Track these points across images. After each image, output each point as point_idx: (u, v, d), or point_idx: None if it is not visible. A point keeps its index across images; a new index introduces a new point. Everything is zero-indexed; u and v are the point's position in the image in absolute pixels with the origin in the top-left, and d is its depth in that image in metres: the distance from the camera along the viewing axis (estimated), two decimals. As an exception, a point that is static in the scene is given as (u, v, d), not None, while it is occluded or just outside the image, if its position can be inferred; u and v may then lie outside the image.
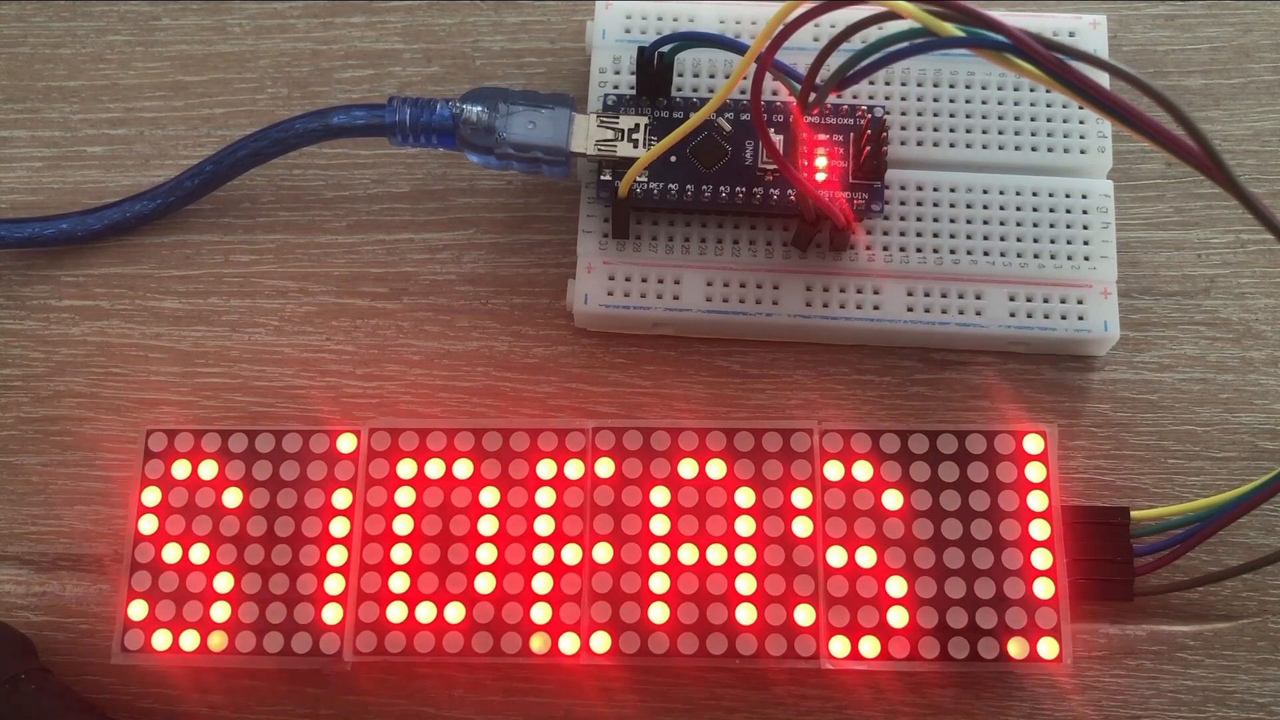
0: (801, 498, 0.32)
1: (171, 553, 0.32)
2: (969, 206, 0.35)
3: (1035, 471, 0.31)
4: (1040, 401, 0.35)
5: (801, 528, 0.31)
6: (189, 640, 0.31)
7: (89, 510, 0.35)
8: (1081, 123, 0.35)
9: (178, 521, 0.32)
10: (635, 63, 0.34)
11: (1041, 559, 0.31)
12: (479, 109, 0.34)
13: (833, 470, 0.32)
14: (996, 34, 0.26)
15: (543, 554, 0.31)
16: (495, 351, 0.36)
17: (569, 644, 0.31)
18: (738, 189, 0.34)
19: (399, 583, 0.31)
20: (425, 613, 0.31)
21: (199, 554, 0.32)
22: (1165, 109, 0.25)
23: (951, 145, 0.35)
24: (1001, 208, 0.35)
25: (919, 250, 0.35)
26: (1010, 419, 0.34)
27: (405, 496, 0.32)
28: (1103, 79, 0.30)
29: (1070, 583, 0.31)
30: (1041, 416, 0.35)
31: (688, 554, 0.31)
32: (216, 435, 0.33)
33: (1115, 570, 0.32)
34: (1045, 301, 0.34)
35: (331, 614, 0.31)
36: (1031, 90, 0.36)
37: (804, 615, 0.31)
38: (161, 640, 0.31)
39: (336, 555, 0.32)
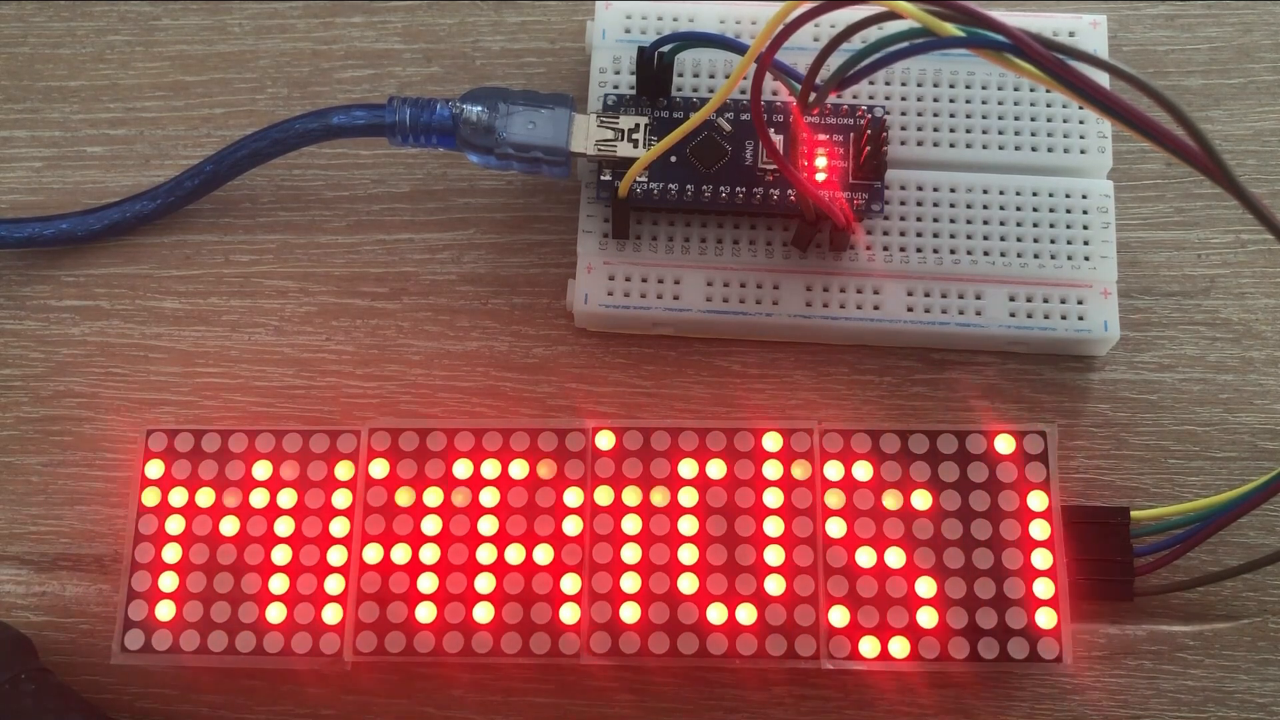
0: (801, 498, 0.32)
1: (171, 553, 0.32)
2: (969, 206, 0.35)
3: (1035, 471, 0.31)
4: (1040, 401, 0.35)
5: (801, 528, 0.31)
6: (189, 640, 0.31)
7: (89, 510, 0.35)
8: (1081, 123, 0.35)
9: (178, 521, 0.32)
10: (635, 63, 0.34)
11: (1041, 559, 0.31)
12: (479, 109, 0.34)
13: (833, 470, 0.32)
14: (996, 34, 0.26)
15: (542, 554, 0.31)
16: (495, 351, 0.36)
17: (569, 644, 0.31)
18: (738, 189, 0.34)
19: (399, 583, 0.31)
20: (425, 613, 0.31)
21: (199, 554, 0.32)
22: (1165, 109, 0.25)
23: (951, 145, 0.35)
24: (1001, 208, 0.35)
25: (919, 250, 0.35)
26: (1010, 419, 0.34)
27: (405, 496, 0.32)
28: (1103, 79, 0.30)
29: (1070, 583, 0.31)
30: (1041, 416, 0.35)
31: (687, 554, 0.31)
32: (216, 435, 0.33)
33: (1115, 570, 0.32)
34: (1045, 301, 0.34)
35: (331, 614, 0.31)
36: (1031, 90, 0.36)
37: (804, 615, 0.31)
38: (161, 640, 0.31)
39: (336, 555, 0.32)
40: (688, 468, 0.32)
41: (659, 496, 0.32)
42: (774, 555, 0.31)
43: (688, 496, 0.32)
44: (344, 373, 0.36)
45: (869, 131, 0.33)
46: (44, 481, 0.35)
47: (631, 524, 0.32)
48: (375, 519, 0.32)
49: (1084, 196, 0.35)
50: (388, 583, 0.31)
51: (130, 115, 0.39)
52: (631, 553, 0.31)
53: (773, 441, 0.32)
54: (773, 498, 0.32)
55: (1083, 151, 0.35)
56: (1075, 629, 0.32)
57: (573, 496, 0.32)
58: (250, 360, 0.36)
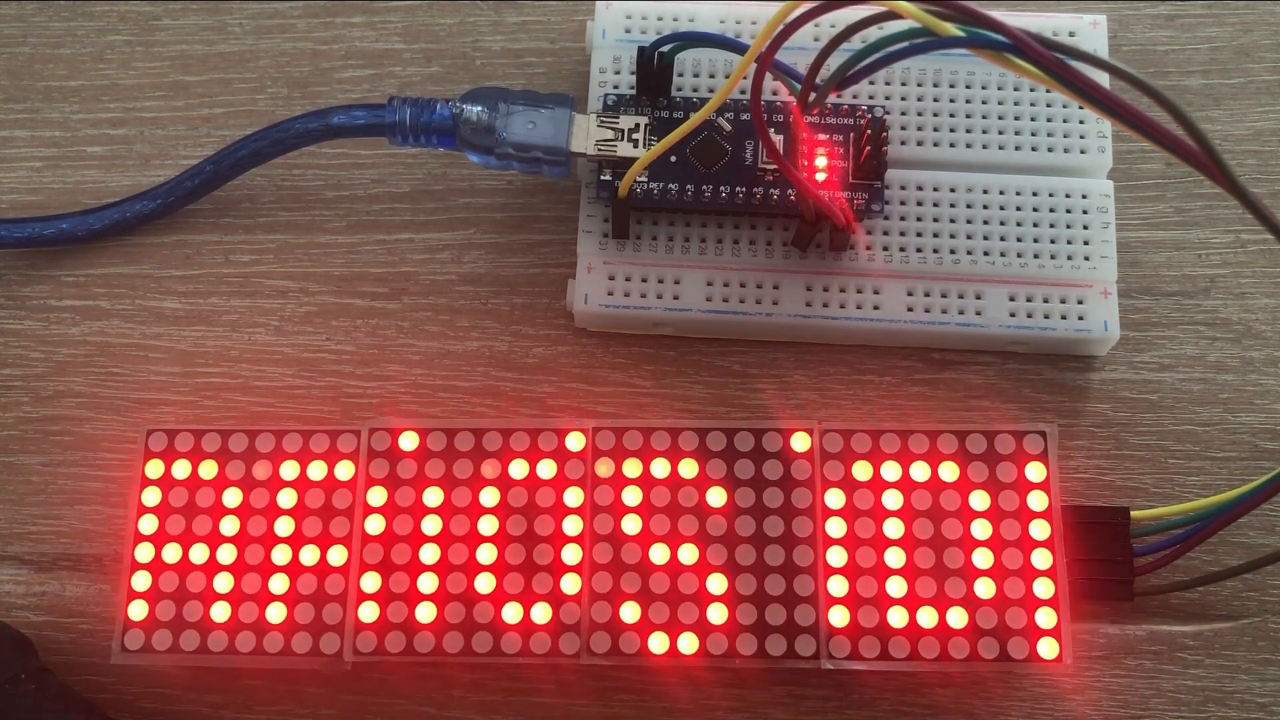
0: (801, 498, 0.32)
1: (171, 553, 0.32)
2: (969, 206, 0.35)
3: (1035, 471, 0.31)
4: (1040, 401, 0.35)
5: (801, 528, 0.31)
6: (189, 640, 0.31)
7: (89, 510, 0.35)
8: (1081, 123, 0.35)
9: (178, 521, 0.32)
10: (635, 63, 0.34)
11: (1041, 559, 0.31)
12: (479, 109, 0.34)
13: (833, 470, 0.32)
14: (996, 34, 0.26)
15: (542, 554, 0.31)
16: (495, 351, 0.36)
17: (569, 644, 0.31)
18: (738, 189, 0.34)
19: (399, 583, 0.31)
20: (425, 613, 0.31)
21: (199, 554, 0.32)
22: (1165, 109, 0.25)
23: (951, 145, 0.35)
24: (1001, 208, 0.35)
25: (919, 250, 0.35)
26: (1010, 419, 0.34)
27: (406, 496, 0.32)
28: (1103, 79, 0.30)
29: (1070, 583, 0.31)
30: (1041, 416, 0.35)
31: (687, 554, 0.31)
32: (216, 435, 0.33)
33: (1115, 570, 0.32)
34: (1045, 301, 0.34)
35: (331, 614, 0.31)
36: (1031, 90, 0.36)
37: (803, 615, 0.31)
38: (161, 640, 0.31)
39: (336, 555, 0.32)
40: (688, 468, 0.32)
41: (659, 496, 0.32)
42: (774, 555, 0.31)
43: (687, 497, 0.32)
44: (344, 373, 0.36)
45: (869, 131, 0.33)
46: (44, 481, 0.35)
47: (631, 524, 0.32)
48: (375, 519, 0.32)
49: (1084, 196, 0.35)
50: (388, 582, 0.31)
51: (130, 115, 0.39)
52: (631, 553, 0.31)
53: (772, 441, 0.32)
54: (772, 497, 0.32)
55: (1083, 151, 0.35)
56: (1075, 629, 0.32)
57: (573, 496, 0.32)
58: (250, 360, 0.36)
